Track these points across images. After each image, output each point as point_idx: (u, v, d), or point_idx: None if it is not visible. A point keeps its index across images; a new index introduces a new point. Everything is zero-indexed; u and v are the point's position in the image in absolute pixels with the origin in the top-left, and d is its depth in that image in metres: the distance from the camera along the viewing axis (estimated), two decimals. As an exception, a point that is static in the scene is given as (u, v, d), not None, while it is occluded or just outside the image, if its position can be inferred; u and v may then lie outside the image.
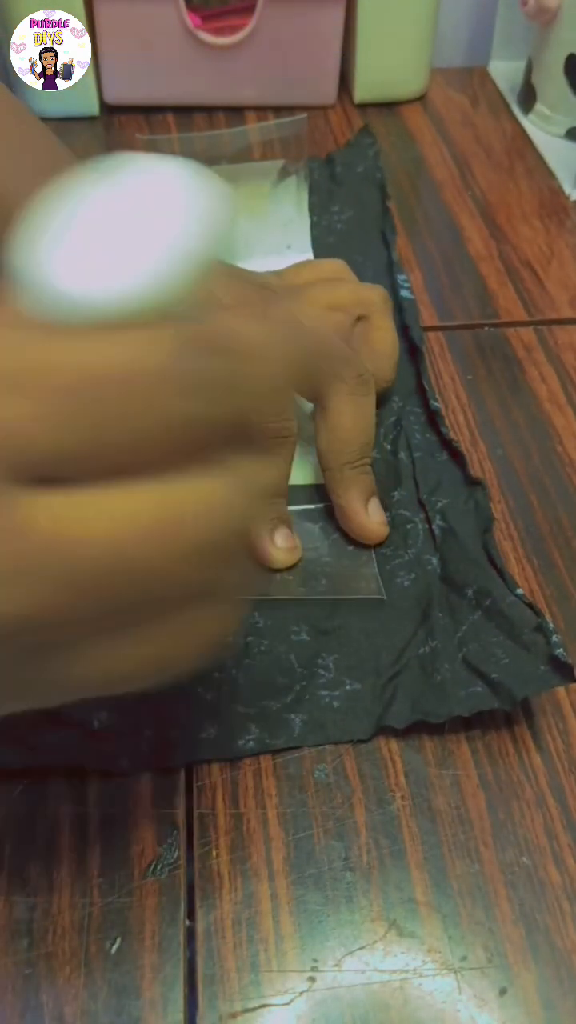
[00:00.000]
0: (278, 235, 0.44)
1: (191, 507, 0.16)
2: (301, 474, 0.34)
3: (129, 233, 0.16)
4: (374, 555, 0.32)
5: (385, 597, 0.31)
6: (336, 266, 0.39)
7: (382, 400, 0.38)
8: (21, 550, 0.14)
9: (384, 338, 0.36)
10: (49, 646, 0.16)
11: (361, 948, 0.24)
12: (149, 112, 0.55)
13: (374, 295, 0.37)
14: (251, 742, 0.27)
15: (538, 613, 0.30)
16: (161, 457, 0.15)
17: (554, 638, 0.29)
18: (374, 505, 0.33)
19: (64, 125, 0.54)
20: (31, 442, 0.15)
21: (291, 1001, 0.24)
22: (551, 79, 0.54)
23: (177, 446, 0.16)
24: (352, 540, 0.33)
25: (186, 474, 0.16)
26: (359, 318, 0.36)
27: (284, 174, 0.43)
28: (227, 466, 0.16)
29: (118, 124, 0.55)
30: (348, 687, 0.29)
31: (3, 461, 0.15)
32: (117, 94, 0.55)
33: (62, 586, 0.15)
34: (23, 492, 0.15)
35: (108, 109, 0.55)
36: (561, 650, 0.28)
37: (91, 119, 0.55)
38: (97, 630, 0.16)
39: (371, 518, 0.32)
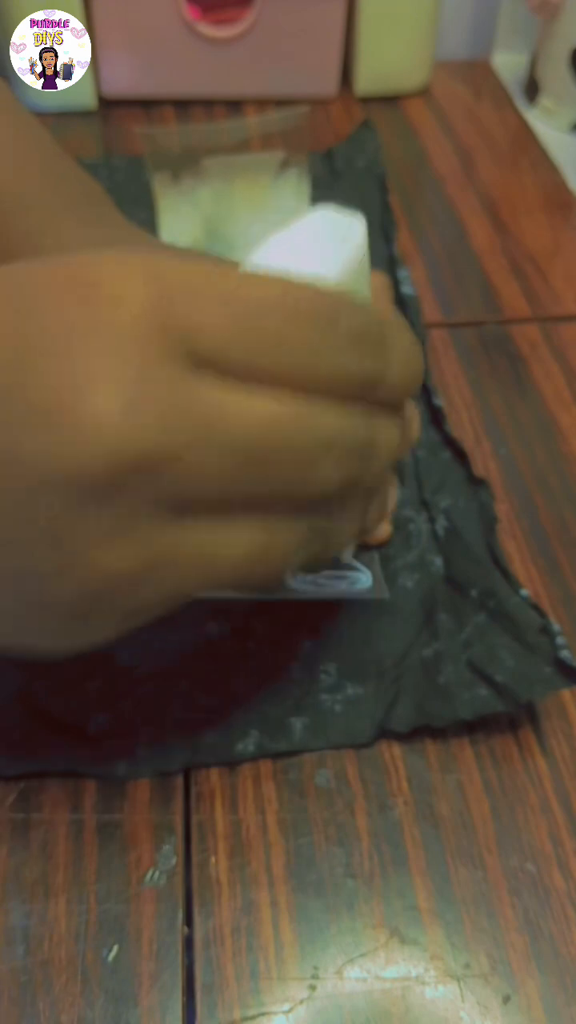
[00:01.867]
0: (277, 229, 0.43)
1: (328, 416, 0.19)
2: None
3: (313, 249, 0.24)
4: (376, 556, 0.32)
5: (388, 596, 0.31)
6: None
7: None
8: (190, 421, 0.17)
9: None
10: (207, 512, 0.19)
11: (362, 955, 0.24)
12: (148, 105, 0.55)
13: (375, 281, 0.36)
14: (251, 746, 0.27)
15: (543, 615, 0.29)
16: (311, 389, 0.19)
17: (559, 640, 0.28)
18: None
19: (62, 119, 0.53)
20: (208, 336, 0.18)
21: (291, 1009, 0.23)
22: (555, 72, 0.53)
23: (325, 386, 0.19)
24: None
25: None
26: None
27: (285, 167, 0.42)
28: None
29: (116, 117, 0.54)
30: (350, 691, 0.28)
31: (181, 346, 0.18)
32: (115, 87, 0.54)
33: (219, 456, 0.18)
34: (194, 375, 0.18)
35: (106, 103, 0.55)
36: (566, 652, 0.28)
37: (88, 113, 0.54)
38: (252, 506, 0.19)
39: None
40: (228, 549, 0.19)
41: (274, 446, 0.18)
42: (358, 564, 0.32)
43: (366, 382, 0.20)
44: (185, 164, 0.42)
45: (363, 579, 0.31)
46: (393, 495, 0.26)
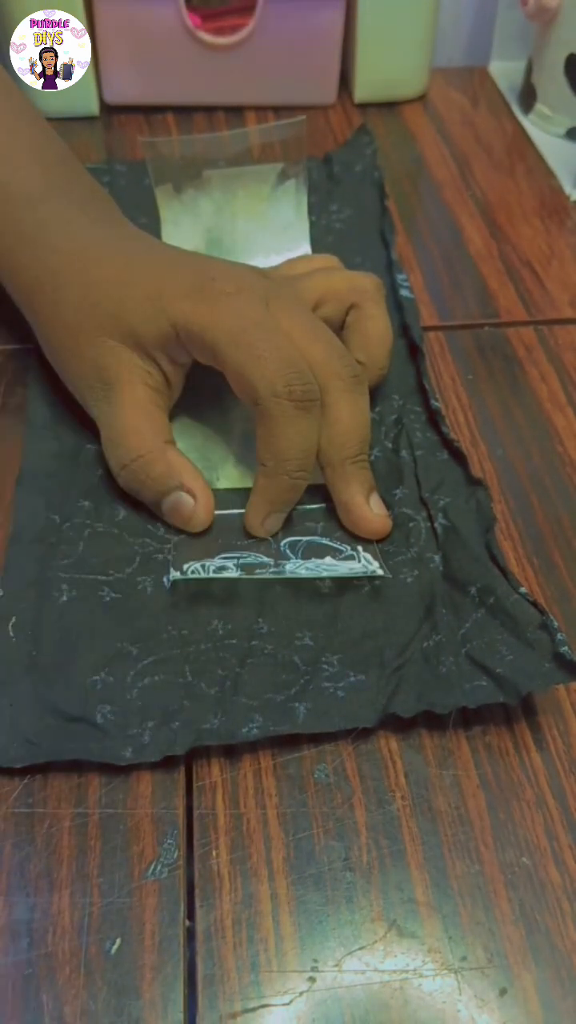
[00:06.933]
0: (277, 238, 0.44)
1: None
2: None
3: None
4: (377, 551, 0.32)
5: (389, 575, 0.31)
6: (328, 258, 0.39)
7: (380, 392, 0.38)
8: None
9: (377, 325, 0.36)
10: None
11: (361, 948, 0.24)
12: (149, 112, 0.55)
13: (367, 282, 0.37)
14: (255, 729, 0.27)
15: (542, 611, 0.30)
16: None
17: (559, 636, 0.29)
18: (375, 499, 0.33)
19: (64, 125, 0.53)
20: None
21: (291, 1001, 0.24)
22: (551, 79, 0.54)
23: None
24: (355, 537, 0.33)
25: None
26: (351, 306, 0.36)
27: (283, 177, 0.43)
28: None
29: (118, 124, 0.55)
30: (352, 679, 0.29)
31: None
32: (117, 94, 0.55)
33: None
34: None
35: (108, 109, 0.55)
36: (566, 648, 0.28)
37: (91, 119, 0.55)
38: None
39: (373, 510, 0.32)
40: None
41: None
42: (358, 546, 0.32)
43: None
44: (187, 175, 0.42)
45: (363, 558, 0.32)
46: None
